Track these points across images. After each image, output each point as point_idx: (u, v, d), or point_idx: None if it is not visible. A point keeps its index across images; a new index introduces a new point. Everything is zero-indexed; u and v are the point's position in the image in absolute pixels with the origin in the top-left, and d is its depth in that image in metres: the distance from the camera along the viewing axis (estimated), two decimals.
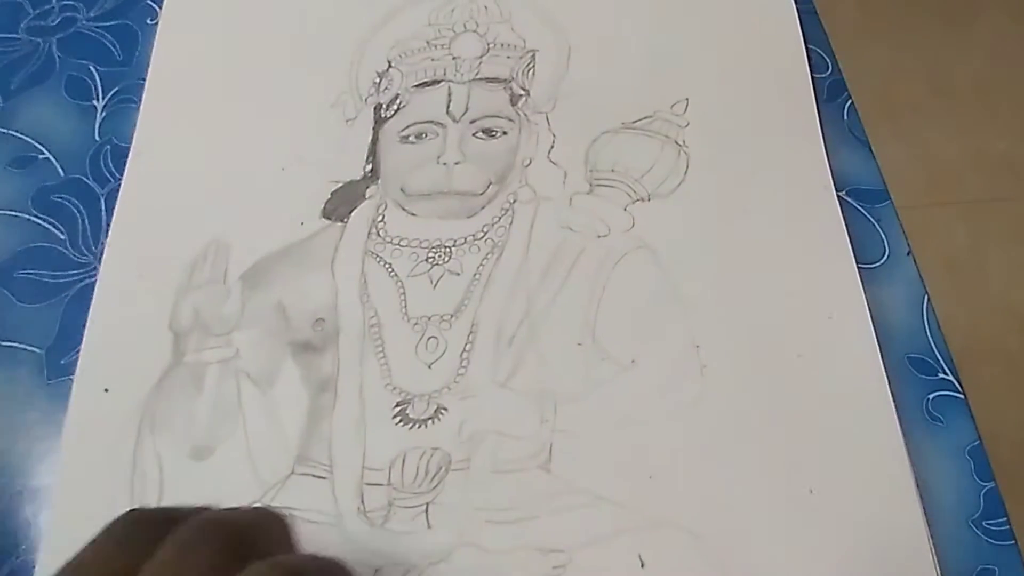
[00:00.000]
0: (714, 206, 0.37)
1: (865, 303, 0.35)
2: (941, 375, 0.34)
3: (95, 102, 0.41)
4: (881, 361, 0.34)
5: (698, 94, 0.40)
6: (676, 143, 0.39)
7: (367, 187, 0.38)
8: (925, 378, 0.34)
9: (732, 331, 0.35)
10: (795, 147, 0.39)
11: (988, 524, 0.31)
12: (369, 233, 0.37)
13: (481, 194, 0.38)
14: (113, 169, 0.39)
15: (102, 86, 0.41)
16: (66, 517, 0.32)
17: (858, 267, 0.36)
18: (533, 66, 0.41)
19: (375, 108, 0.40)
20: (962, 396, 0.34)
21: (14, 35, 0.43)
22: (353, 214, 0.37)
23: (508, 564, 0.30)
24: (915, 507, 0.31)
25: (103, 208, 0.38)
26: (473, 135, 0.39)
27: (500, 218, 0.37)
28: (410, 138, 0.39)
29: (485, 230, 0.37)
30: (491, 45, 0.41)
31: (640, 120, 0.40)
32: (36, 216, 0.38)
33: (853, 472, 0.32)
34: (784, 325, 0.35)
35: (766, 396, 0.33)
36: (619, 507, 0.31)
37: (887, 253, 0.37)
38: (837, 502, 0.31)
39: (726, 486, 0.32)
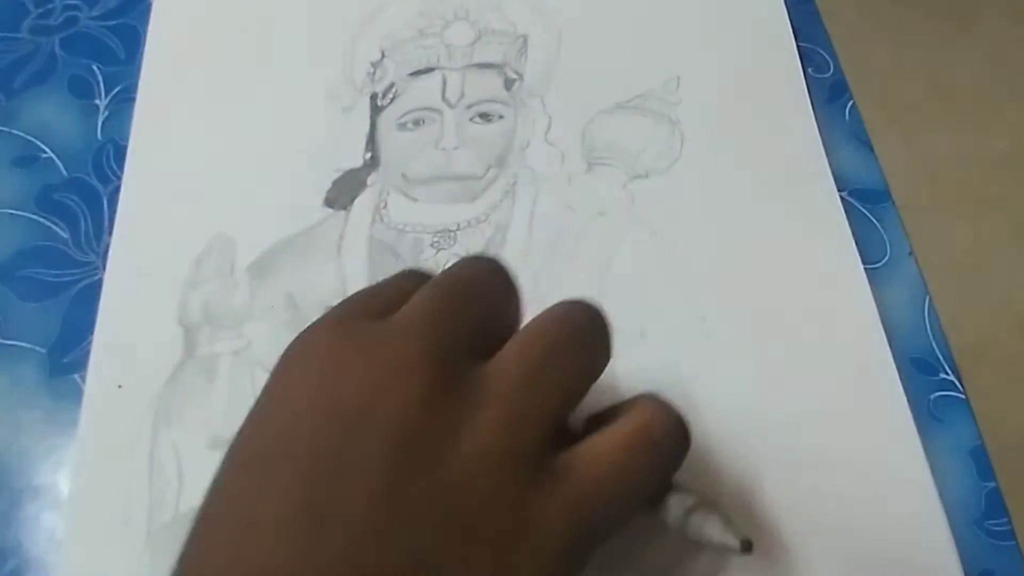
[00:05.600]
0: (710, 180, 0.38)
1: (861, 266, 0.36)
2: (943, 375, 0.34)
3: (97, 101, 0.41)
4: (880, 321, 0.35)
5: (688, 72, 0.41)
6: (670, 120, 0.40)
7: (368, 175, 0.39)
8: (927, 378, 0.34)
9: (735, 302, 0.35)
10: (785, 118, 0.40)
11: (990, 524, 0.31)
12: (373, 220, 0.37)
13: (482, 177, 0.38)
14: (116, 168, 0.39)
15: (104, 85, 0.41)
16: (82, 516, 0.32)
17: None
18: (525, 51, 0.42)
19: (371, 97, 0.40)
20: (964, 396, 0.34)
21: (16, 34, 0.43)
22: (355, 202, 0.38)
23: None
24: (921, 459, 0.32)
25: (105, 207, 0.38)
26: (470, 120, 0.39)
27: (502, 200, 0.38)
28: (408, 125, 0.39)
29: (488, 213, 0.37)
30: (482, 32, 0.42)
31: (633, 99, 0.40)
32: (38, 215, 0.38)
33: (860, 432, 0.33)
34: (785, 294, 0.36)
35: (772, 363, 0.34)
36: None
37: (888, 254, 0.37)
38: (846, 462, 0.32)
39: (738, 454, 0.33)
